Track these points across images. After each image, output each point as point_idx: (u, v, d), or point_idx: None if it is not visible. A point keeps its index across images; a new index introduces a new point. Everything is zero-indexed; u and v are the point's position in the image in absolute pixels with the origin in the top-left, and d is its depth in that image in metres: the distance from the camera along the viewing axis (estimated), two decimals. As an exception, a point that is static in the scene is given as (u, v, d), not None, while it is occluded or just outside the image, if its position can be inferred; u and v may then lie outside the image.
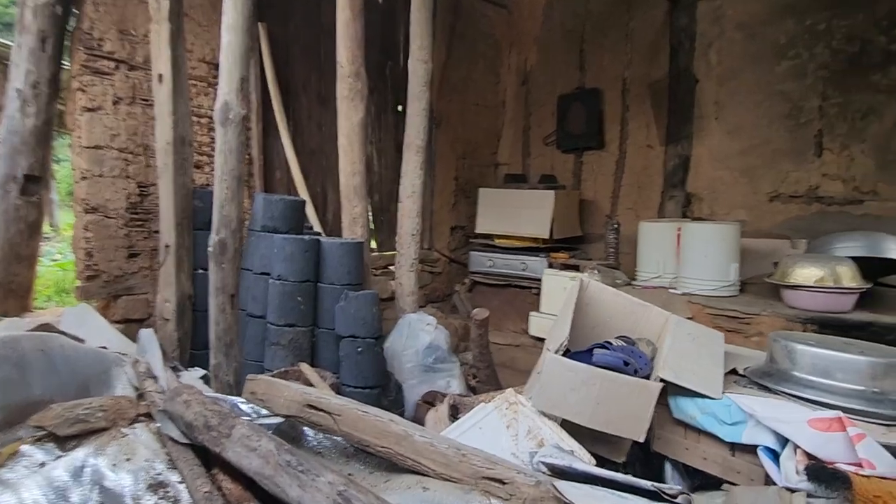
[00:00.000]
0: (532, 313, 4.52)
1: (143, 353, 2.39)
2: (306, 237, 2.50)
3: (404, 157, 2.89)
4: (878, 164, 3.90)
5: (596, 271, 4.09)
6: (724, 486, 1.85)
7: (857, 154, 3.98)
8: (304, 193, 3.69)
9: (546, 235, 4.67)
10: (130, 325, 3.11)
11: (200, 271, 2.75)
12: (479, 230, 5.05)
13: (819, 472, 1.48)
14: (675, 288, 3.95)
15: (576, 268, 4.40)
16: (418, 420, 2.55)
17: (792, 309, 3.34)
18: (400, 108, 4.74)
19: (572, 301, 2.29)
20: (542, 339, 4.51)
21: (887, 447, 1.54)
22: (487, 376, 2.82)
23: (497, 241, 4.97)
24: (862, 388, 1.78)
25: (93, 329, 2.61)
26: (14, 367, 1.97)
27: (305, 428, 1.79)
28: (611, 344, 2.21)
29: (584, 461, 1.65)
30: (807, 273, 3.26)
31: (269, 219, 2.63)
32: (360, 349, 2.32)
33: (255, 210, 2.77)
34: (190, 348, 2.67)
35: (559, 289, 4.39)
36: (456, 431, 1.89)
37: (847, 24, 3.99)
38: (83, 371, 2.18)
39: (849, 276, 3.18)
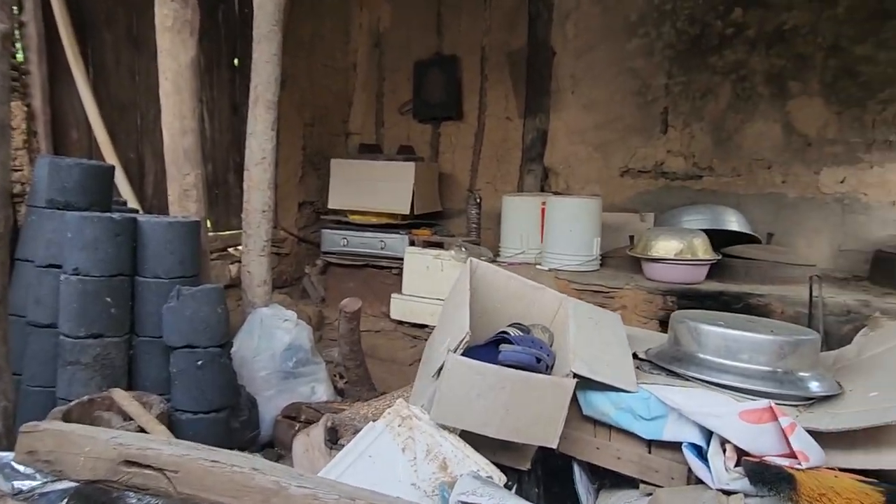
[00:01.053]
0: (394, 295, 4.17)
1: None
2: (116, 216, 1.85)
3: (251, 116, 2.31)
4: (715, 142, 4.15)
5: (462, 248, 3.85)
6: (642, 486, 1.68)
7: (696, 132, 4.20)
8: (111, 159, 2.89)
9: (406, 211, 4.33)
10: None
11: None
12: (331, 206, 4.55)
13: (761, 472, 1.33)
14: (540, 263, 3.86)
15: (439, 245, 4.13)
16: (280, 442, 2.07)
17: (652, 281, 3.41)
18: (237, 61, 4.02)
19: (465, 286, 1.97)
20: (404, 323, 4.20)
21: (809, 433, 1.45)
22: (359, 376, 2.42)
23: (352, 218, 4.51)
24: (769, 368, 1.71)
25: None
26: None
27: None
28: (508, 334, 1.93)
29: (510, 495, 1.34)
30: (667, 246, 3.33)
31: (58, 191, 1.92)
32: (200, 362, 1.77)
33: (38, 179, 2.02)
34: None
35: (422, 268, 4.09)
36: (341, 466, 1.48)
37: (690, 6, 4.15)
38: None
39: (703, 249, 3.30)
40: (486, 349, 1.82)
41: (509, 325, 2.06)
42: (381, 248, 4.37)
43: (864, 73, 3.79)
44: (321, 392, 2.31)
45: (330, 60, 4.89)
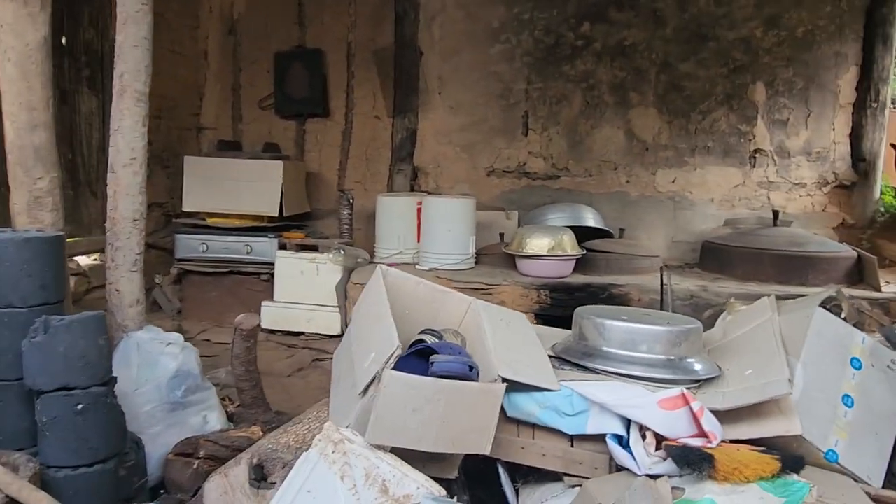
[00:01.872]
0: (265, 303, 3.91)
1: None
2: (-50, 234, 1.47)
3: (116, 109, 1.98)
4: (570, 145, 4.51)
5: (340, 251, 3.73)
6: (567, 478, 1.78)
7: (553, 135, 4.52)
8: None
9: (275, 213, 4.08)
10: None
11: None
12: (186, 208, 4.12)
13: (686, 455, 1.48)
14: (418, 263, 3.88)
15: (313, 248, 3.95)
16: (175, 485, 1.83)
17: (526, 277, 3.61)
18: (64, 40, 3.44)
19: (382, 295, 1.90)
20: (276, 332, 3.95)
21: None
22: (254, 398, 2.23)
23: (211, 221, 4.13)
24: (664, 356, 1.90)
25: None
26: None
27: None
28: (425, 342, 1.91)
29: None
30: (539, 243, 3.54)
31: None
32: (79, 406, 1.48)
33: None
34: None
35: (296, 273, 3.89)
36: (281, 505, 1.34)
37: (545, 18, 4.45)
38: None
39: (570, 245, 3.57)
40: (404, 360, 1.78)
41: (422, 332, 2.04)
42: (248, 253, 4.06)
43: (687, 87, 4.37)
44: (214, 421, 2.08)
45: (177, 45, 4.40)
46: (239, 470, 1.48)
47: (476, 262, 3.91)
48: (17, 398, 1.53)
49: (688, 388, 1.83)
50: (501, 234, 4.21)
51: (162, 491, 1.92)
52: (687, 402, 1.59)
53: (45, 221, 1.78)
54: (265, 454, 1.52)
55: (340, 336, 3.79)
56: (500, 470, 1.87)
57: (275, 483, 1.46)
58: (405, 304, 2.19)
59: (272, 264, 3.97)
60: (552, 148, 4.53)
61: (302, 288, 3.85)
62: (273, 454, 1.53)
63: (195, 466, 1.82)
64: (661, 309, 3.14)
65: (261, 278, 4.08)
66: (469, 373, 1.68)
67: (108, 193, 2.05)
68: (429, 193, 4.43)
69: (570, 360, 2.00)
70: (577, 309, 2.16)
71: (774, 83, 4.26)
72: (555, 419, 1.77)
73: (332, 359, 3.80)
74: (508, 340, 1.97)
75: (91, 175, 3.81)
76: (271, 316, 3.91)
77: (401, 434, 1.59)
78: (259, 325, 2.16)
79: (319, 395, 3.24)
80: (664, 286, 3.25)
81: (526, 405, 1.80)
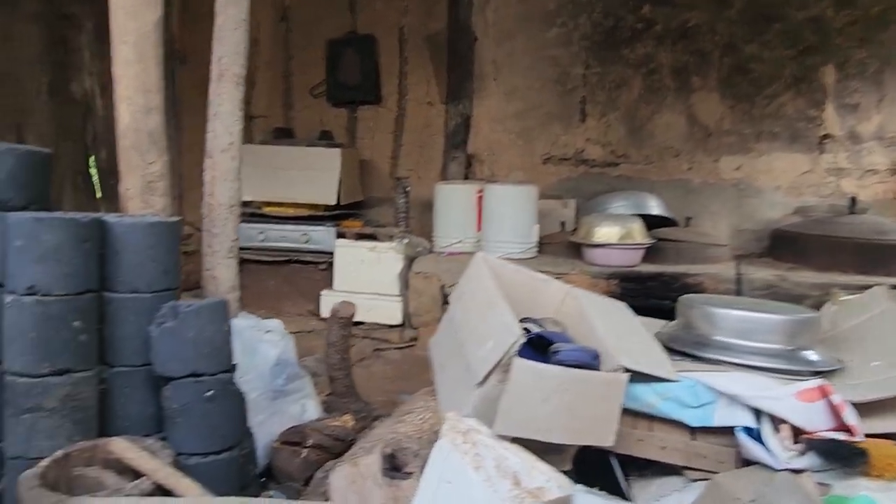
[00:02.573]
0: (324, 292, 3.88)
1: None
2: (79, 216, 1.44)
3: (214, 94, 1.95)
4: (629, 131, 4.40)
5: (404, 240, 3.69)
6: (688, 472, 1.71)
7: (612, 121, 4.41)
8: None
9: (332, 201, 4.04)
10: None
11: None
12: (244, 197, 4.08)
13: (835, 449, 1.41)
14: (481, 252, 3.82)
15: (371, 237, 3.91)
16: (284, 473, 1.80)
17: (593, 266, 3.53)
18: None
19: (489, 282, 1.85)
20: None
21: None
22: (346, 387, 2.19)
23: (267, 210, 4.11)
24: (781, 346, 1.82)
25: None
26: None
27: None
28: (528, 330, 1.86)
29: None
30: (609, 232, 3.46)
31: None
32: (210, 393, 1.46)
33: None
34: None
35: (356, 262, 3.85)
36: (426, 497, 1.30)
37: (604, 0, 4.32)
38: None
39: (640, 233, 3.48)
40: (527, 350, 1.73)
41: (522, 321, 1.98)
42: (305, 242, 4.04)
43: (752, 70, 4.23)
44: (311, 409, 2.05)
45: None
46: (370, 459, 1.44)
47: (538, 251, 3.84)
48: (142, 384, 1.51)
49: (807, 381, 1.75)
50: (562, 223, 4.14)
51: (262, 478, 1.89)
52: (825, 395, 1.52)
53: (157, 206, 1.75)
54: (395, 444, 1.48)
55: (402, 325, 3.77)
56: (613, 463, 1.81)
57: (411, 473, 1.42)
58: (504, 292, 2.13)
59: (330, 253, 3.94)
60: (611, 134, 4.43)
61: (362, 277, 3.82)
62: (406, 444, 1.49)
63: (304, 455, 1.79)
64: (737, 299, 3.05)
65: (318, 267, 4.05)
66: (594, 362, 1.63)
67: (204, 179, 2.02)
68: (484, 181, 4.36)
69: (677, 348, 1.94)
70: (682, 297, 2.10)
71: (846, 65, 4.10)
72: (677, 411, 1.70)
73: (393, 348, 3.81)
74: (618, 329, 1.91)
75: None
76: (330, 305, 3.87)
77: (529, 425, 1.54)
78: (353, 315, 2.12)
79: (384, 385, 3.22)
80: (740, 276, 3.16)
81: (645, 396, 1.74)
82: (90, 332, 1.45)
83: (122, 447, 1.31)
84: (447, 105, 4.55)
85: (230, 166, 1.99)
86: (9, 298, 1.37)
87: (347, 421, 2.08)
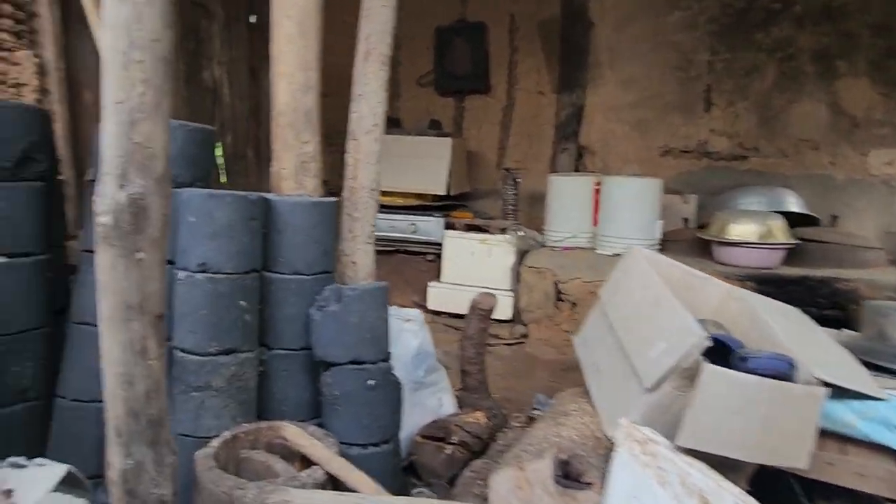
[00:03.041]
0: (431, 283, 3.81)
1: None
2: (248, 194, 1.41)
3: (360, 73, 1.89)
4: (760, 121, 4.04)
5: (520, 233, 3.55)
6: (895, 505, 1.47)
7: (741, 111, 4.07)
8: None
9: (442, 191, 3.96)
10: None
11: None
12: (353, 185, 4.09)
13: None
14: (596, 248, 3.63)
15: (481, 229, 3.80)
16: (428, 469, 1.71)
17: (726, 266, 3.25)
18: (253, 18, 3.49)
19: (653, 277, 1.68)
20: (442, 314, 3.86)
21: None
22: (479, 382, 2.09)
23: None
24: None
25: None
26: None
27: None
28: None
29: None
30: (746, 229, 3.17)
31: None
32: (372, 382, 1.39)
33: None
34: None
35: (465, 254, 3.75)
36: (620, 513, 1.17)
37: (736, -21, 3.99)
38: None
39: (782, 232, 3.16)
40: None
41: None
42: (413, 232, 3.99)
43: (911, 54, 3.76)
44: (448, 404, 1.97)
45: (340, 19, 4.39)
46: (540, 465, 1.32)
47: (660, 249, 3.59)
48: (300, 368, 1.47)
49: None
50: (685, 219, 3.87)
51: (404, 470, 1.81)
52: None
53: (309, 187, 1.71)
54: (569, 450, 1.35)
55: (511, 321, 3.64)
56: (796, 487, 1.60)
57: (589, 484, 1.28)
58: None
59: (438, 244, 3.86)
60: (739, 125, 4.09)
61: (471, 269, 3.71)
62: (574, 450, 1.36)
63: (449, 452, 1.70)
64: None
65: (426, 258, 3.99)
66: (791, 372, 1.42)
67: (347, 162, 1.96)
68: (595, 174, 4.14)
69: (876, 363, 1.68)
70: (870, 304, 1.84)
71: None
72: (882, 433, 1.47)
73: (502, 344, 3.68)
74: (801, 337, 1.68)
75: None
76: (438, 297, 3.81)
77: (717, 439, 1.37)
78: (495, 306, 2.01)
79: (495, 382, 3.07)
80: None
81: (841, 414, 1.52)
82: (253, 312, 1.41)
83: (294, 433, 1.26)
84: (559, 94, 4.37)
85: (373, 149, 1.93)
86: (181, 275, 1.35)
87: (480, 418, 1.98)
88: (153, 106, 0.93)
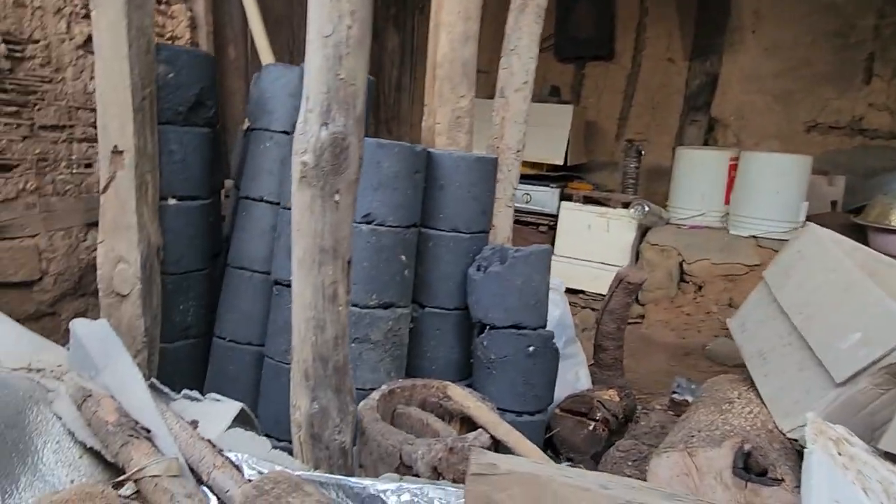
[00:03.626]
0: (543, 256, 3.68)
1: (88, 368, 1.18)
2: (413, 146, 1.37)
3: (513, 27, 1.81)
4: (931, 96, 3.54)
5: (644, 208, 3.35)
6: None
7: (909, 83, 3.58)
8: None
9: (560, 161, 3.80)
10: (8, 295, 1.74)
11: (171, 202, 1.50)
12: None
13: None
14: (728, 227, 3.36)
15: (599, 202, 3.62)
16: (567, 444, 1.64)
17: (884, 255, 2.89)
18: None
19: (841, 260, 1.49)
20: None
21: None
22: (614, 359, 1.97)
23: (489, 167, 4.00)
24: None
25: None
26: None
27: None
28: None
29: None
30: (913, 216, 2.79)
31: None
32: (531, 349, 1.33)
33: (269, 94, 1.55)
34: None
35: (581, 227, 3.60)
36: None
37: (919, -71, 3.47)
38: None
39: (957, 221, 2.76)
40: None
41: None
42: (527, 202, 3.86)
43: None
44: (584, 379, 1.88)
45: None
46: (716, 453, 1.21)
47: (800, 233, 3.26)
48: (452, 329, 1.43)
49: None
50: (833, 202, 3.49)
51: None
52: None
53: (461, 144, 1.66)
54: (752, 440, 1.22)
55: (628, 300, 3.47)
56: None
57: (779, 480, 1.15)
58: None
59: (552, 215, 3.73)
60: (904, 99, 3.60)
61: (587, 243, 3.56)
62: (756, 442, 1.23)
63: (591, 428, 1.61)
64: None
65: (539, 229, 3.87)
66: None
67: (493, 121, 1.88)
68: (727, 149, 3.82)
69: None
70: None
71: None
72: None
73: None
74: None
75: (389, 113, 3.88)
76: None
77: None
78: (646, 280, 1.88)
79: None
80: None
81: None
82: (411, 268, 1.38)
83: (460, 393, 1.22)
84: (691, 62, 4.04)
85: (521, 108, 1.83)
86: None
87: (612, 396, 1.87)
88: (358, 40, 0.89)
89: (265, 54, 2.32)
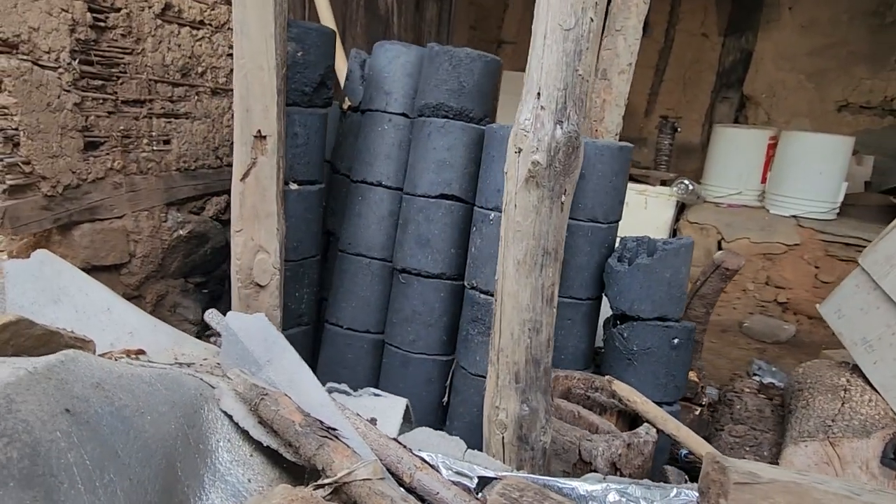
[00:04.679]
0: (578, 233, 3.68)
1: (248, 364, 1.14)
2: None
3: (622, 5, 1.74)
4: (963, 78, 3.60)
5: (687, 185, 3.36)
6: None
7: (942, 64, 3.63)
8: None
9: (595, 137, 3.77)
10: (98, 278, 1.67)
11: (293, 187, 1.44)
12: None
13: None
14: (769, 207, 3.40)
15: (636, 179, 3.61)
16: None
17: (921, 238, 2.97)
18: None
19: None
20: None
21: None
22: (698, 342, 1.99)
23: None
24: None
25: (82, 303, 1.25)
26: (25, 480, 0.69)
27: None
28: None
29: None
30: (957, 199, 2.86)
31: (451, 94, 1.40)
32: (676, 341, 1.33)
33: (387, 73, 1.49)
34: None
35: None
36: None
37: None
38: (154, 433, 0.93)
39: None
40: None
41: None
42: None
43: None
44: (674, 362, 1.89)
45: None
46: (863, 444, 1.24)
47: (837, 213, 3.33)
48: (583, 318, 1.42)
49: None
50: (867, 182, 3.56)
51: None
52: None
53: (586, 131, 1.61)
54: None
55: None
56: None
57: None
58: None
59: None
60: (937, 80, 3.65)
61: (623, 221, 3.57)
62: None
63: (698, 413, 1.64)
64: None
65: (572, 206, 3.86)
66: None
67: (594, 103, 1.84)
68: (764, 126, 3.84)
69: None
70: None
71: None
72: None
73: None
74: None
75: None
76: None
77: None
78: (742, 266, 1.89)
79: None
80: None
81: None
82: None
83: (625, 388, 1.22)
84: (725, 37, 4.02)
85: (623, 91, 1.80)
86: (492, 215, 1.31)
87: (694, 377, 1.91)
88: (596, 35, 0.85)
89: (328, 23, 2.22)
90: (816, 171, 3.21)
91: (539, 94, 0.86)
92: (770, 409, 1.74)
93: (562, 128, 0.85)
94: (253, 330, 1.15)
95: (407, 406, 1.17)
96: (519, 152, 0.88)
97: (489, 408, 0.99)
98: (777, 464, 1.42)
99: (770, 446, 1.53)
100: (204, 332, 1.99)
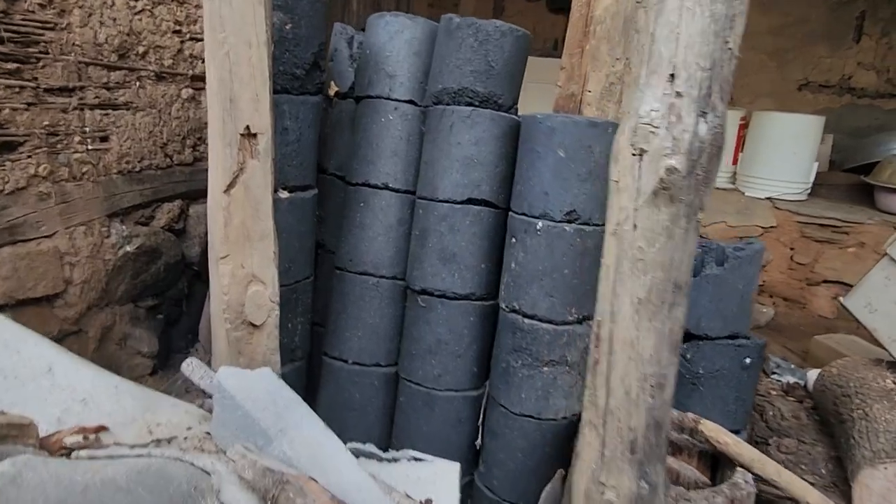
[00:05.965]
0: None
1: (253, 436, 0.87)
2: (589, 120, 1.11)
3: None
4: (915, 56, 3.67)
5: (665, 171, 3.24)
6: None
7: (895, 42, 3.68)
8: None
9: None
10: (26, 315, 1.32)
11: (283, 194, 1.15)
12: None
13: None
14: (743, 190, 3.35)
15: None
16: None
17: (892, 215, 3.00)
18: None
19: None
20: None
21: None
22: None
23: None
24: None
25: (11, 365, 0.94)
26: None
27: None
28: None
29: None
30: (926, 177, 2.89)
31: (477, 77, 1.16)
32: (748, 361, 1.15)
33: (391, 52, 1.23)
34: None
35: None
36: None
37: None
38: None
39: (966, 181, 2.89)
40: None
41: None
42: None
43: None
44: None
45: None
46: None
47: (810, 194, 3.32)
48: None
49: None
50: (832, 161, 3.57)
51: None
52: None
53: (610, 114, 1.41)
54: None
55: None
56: None
57: None
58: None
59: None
60: (891, 59, 3.71)
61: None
62: None
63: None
64: None
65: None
66: None
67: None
68: (737, 108, 3.78)
69: None
70: None
71: None
72: None
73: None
74: None
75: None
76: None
77: None
78: (770, 262, 1.75)
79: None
80: None
81: None
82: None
83: (714, 428, 1.03)
84: (688, 15, 3.92)
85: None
86: (539, 224, 1.07)
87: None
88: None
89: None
90: (790, 151, 3.17)
91: (673, 75, 0.63)
92: (805, 415, 1.62)
93: (706, 121, 0.63)
94: (257, 390, 0.88)
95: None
96: (641, 155, 0.65)
97: (588, 482, 0.77)
98: (841, 485, 1.29)
99: (825, 461, 1.40)
100: (162, 366, 1.67)
